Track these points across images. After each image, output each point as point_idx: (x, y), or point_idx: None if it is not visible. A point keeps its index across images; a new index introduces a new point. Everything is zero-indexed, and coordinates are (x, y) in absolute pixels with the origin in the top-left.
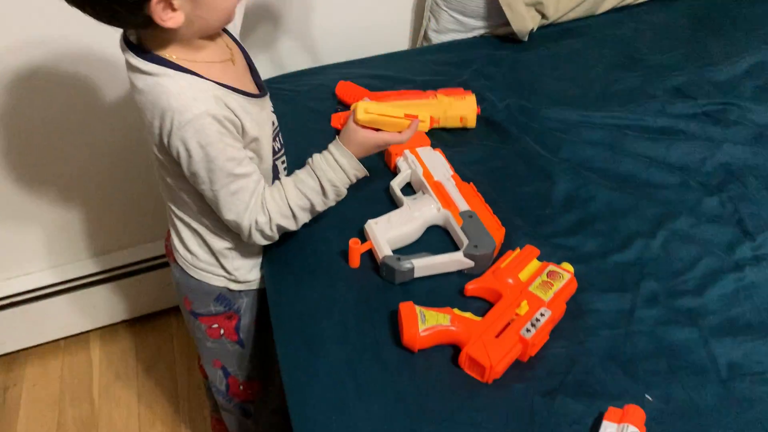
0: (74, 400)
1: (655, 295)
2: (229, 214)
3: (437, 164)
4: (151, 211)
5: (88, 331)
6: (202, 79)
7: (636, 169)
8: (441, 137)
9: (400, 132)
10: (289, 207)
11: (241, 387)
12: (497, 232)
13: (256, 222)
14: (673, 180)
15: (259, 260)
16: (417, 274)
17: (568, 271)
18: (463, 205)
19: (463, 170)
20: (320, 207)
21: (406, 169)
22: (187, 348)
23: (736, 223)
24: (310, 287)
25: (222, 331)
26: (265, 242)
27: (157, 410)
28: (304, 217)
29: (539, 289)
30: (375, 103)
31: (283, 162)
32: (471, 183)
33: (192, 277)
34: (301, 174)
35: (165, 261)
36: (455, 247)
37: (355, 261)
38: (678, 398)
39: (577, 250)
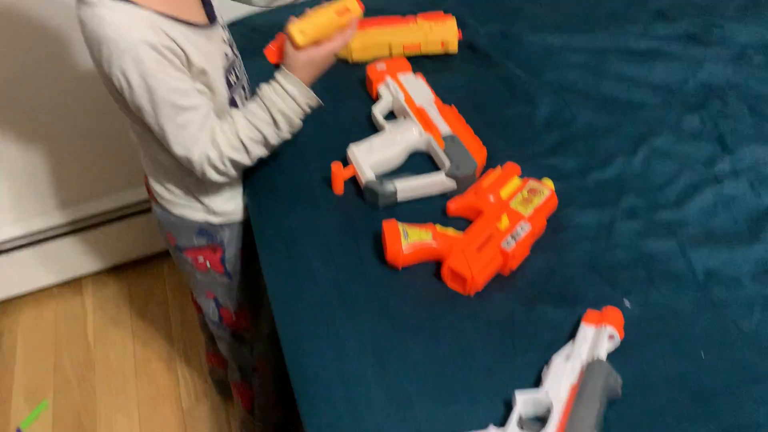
0: (70, 343)
1: (635, 209)
2: (178, 148)
3: (419, 90)
4: (135, 154)
5: (79, 277)
6: (140, 8)
7: (618, 91)
8: (423, 64)
9: (341, 32)
10: (240, 140)
11: (234, 317)
12: (479, 153)
13: (207, 157)
14: (655, 100)
15: (236, 191)
16: (400, 197)
17: (549, 187)
18: (445, 129)
19: (445, 96)
20: (274, 139)
21: (388, 96)
22: (179, 289)
23: (716, 139)
24: (294, 213)
25: (208, 264)
26: (220, 178)
27: (152, 349)
28: (258, 151)
29: (520, 204)
30: (305, 19)
31: (245, 96)
32: (452, 106)
33: (172, 213)
34: (251, 106)
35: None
36: (438, 171)
37: (338, 187)
38: (656, 303)
39: (559, 169)
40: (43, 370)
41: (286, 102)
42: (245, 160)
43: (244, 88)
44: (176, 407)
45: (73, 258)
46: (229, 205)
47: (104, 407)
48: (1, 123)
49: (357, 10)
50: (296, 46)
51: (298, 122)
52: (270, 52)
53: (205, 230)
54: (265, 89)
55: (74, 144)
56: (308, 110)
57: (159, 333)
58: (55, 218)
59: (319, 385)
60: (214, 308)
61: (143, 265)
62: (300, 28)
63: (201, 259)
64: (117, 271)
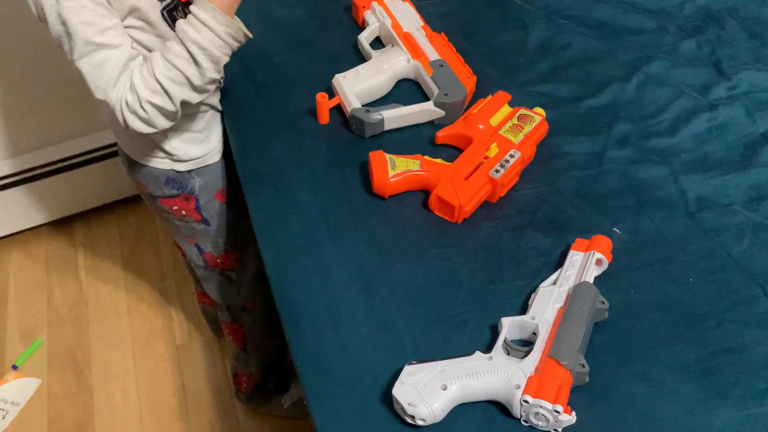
0: (62, 282)
1: (627, 137)
2: (97, 92)
3: (406, 15)
4: None
5: (69, 216)
6: None
7: (613, 16)
8: None
9: None
10: (157, 80)
11: (218, 260)
12: (468, 80)
13: (126, 102)
14: (651, 24)
15: (198, 135)
16: (387, 126)
17: (540, 115)
18: (433, 55)
19: (434, 22)
20: (197, 79)
21: (374, 22)
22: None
23: (713, 64)
24: (279, 145)
25: (184, 212)
26: (144, 127)
27: (144, 287)
28: (181, 93)
29: (509, 132)
30: None
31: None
32: (442, 33)
33: (137, 162)
34: (168, 43)
35: None
36: (426, 100)
37: (323, 116)
38: (646, 230)
39: (551, 96)
40: (36, 309)
41: (201, 32)
42: (168, 105)
43: None
44: (170, 343)
45: (62, 197)
46: (195, 150)
47: (98, 344)
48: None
49: None
50: None
51: (221, 57)
52: None
53: (173, 179)
54: (180, 22)
55: (64, 81)
56: (232, 42)
57: (150, 271)
58: (43, 155)
59: (305, 314)
60: (197, 253)
61: (132, 203)
62: None
63: (176, 207)
64: (106, 210)
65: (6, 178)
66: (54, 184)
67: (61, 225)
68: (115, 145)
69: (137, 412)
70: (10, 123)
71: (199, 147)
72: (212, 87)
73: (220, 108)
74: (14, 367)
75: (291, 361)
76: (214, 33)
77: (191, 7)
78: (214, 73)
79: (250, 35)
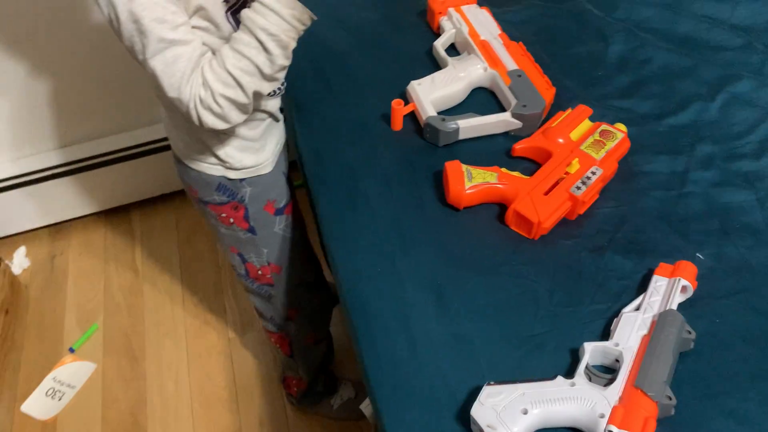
0: (118, 269)
1: (711, 158)
2: (170, 90)
3: (484, 23)
4: None
5: (128, 205)
6: None
7: (696, 31)
8: None
9: None
10: (228, 72)
11: (260, 271)
12: (547, 92)
13: (200, 99)
14: (737, 42)
15: (253, 144)
16: (462, 136)
17: (621, 131)
18: (511, 65)
19: (511, 30)
20: (267, 67)
21: (450, 28)
22: None
23: None
24: (352, 150)
25: (232, 220)
26: (219, 123)
27: (199, 278)
28: (253, 83)
29: (591, 148)
30: None
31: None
32: (520, 42)
33: (189, 167)
34: (236, 34)
35: None
36: (501, 110)
37: (397, 123)
38: (730, 257)
39: (631, 112)
40: (94, 294)
41: (268, 18)
42: (241, 97)
43: None
44: (222, 335)
45: (121, 186)
46: (248, 159)
47: (152, 332)
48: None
49: None
50: None
51: (289, 42)
52: None
53: (225, 186)
54: (245, 11)
55: (131, 70)
56: (298, 25)
57: (206, 263)
58: (105, 144)
59: (378, 323)
60: (240, 262)
61: None
62: None
63: (224, 215)
64: (164, 200)
65: (69, 164)
66: (114, 173)
67: (120, 213)
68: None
69: (188, 402)
70: (76, 113)
71: (254, 156)
72: (282, 75)
73: (279, 117)
74: (71, 350)
75: (339, 362)
76: (280, 17)
77: None
78: (283, 59)
79: (315, 17)
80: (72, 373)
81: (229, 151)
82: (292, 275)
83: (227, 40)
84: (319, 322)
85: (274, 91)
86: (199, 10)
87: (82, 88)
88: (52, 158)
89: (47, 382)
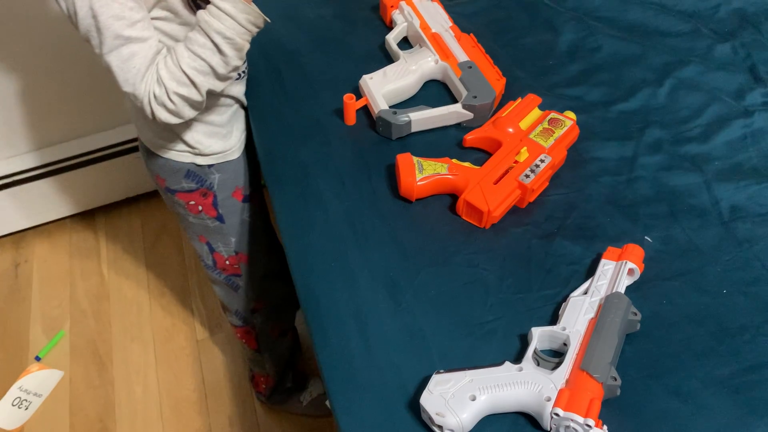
0: (84, 274)
1: (659, 143)
2: (126, 85)
3: (435, 15)
4: None
5: (92, 210)
6: None
7: (645, 18)
8: None
9: None
10: (183, 71)
11: (227, 261)
12: (497, 82)
13: (154, 95)
14: (684, 27)
15: (220, 130)
16: (414, 128)
17: (570, 119)
18: (462, 56)
19: (462, 22)
20: (221, 68)
21: (402, 22)
22: None
23: (748, 69)
24: (305, 146)
25: (200, 208)
26: (172, 119)
27: (165, 282)
28: (207, 83)
29: (540, 136)
30: None
31: None
32: (471, 34)
33: (158, 155)
34: (191, 34)
35: None
36: (453, 102)
37: (350, 118)
38: (678, 239)
39: (581, 100)
40: (59, 301)
41: (223, 22)
42: (194, 95)
43: None
44: (190, 338)
45: (86, 190)
46: (217, 145)
47: (120, 337)
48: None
49: None
50: None
51: (243, 44)
52: None
53: (194, 173)
54: (201, 13)
55: (91, 75)
56: (253, 29)
57: (172, 265)
58: (67, 149)
59: (331, 317)
60: (207, 252)
61: (155, 198)
62: None
63: (192, 202)
64: (129, 203)
65: (31, 170)
66: (78, 177)
67: (85, 217)
68: (134, 140)
69: (157, 407)
70: (35, 116)
71: (222, 142)
72: (235, 74)
73: (245, 102)
74: (37, 359)
75: (308, 358)
76: (236, 21)
77: None
78: (237, 60)
79: (268, 20)
80: (39, 382)
81: (197, 137)
82: (259, 265)
83: (188, 25)
84: (284, 313)
85: (239, 75)
86: (160, 2)
87: (39, 93)
88: (11, 165)
89: (13, 392)
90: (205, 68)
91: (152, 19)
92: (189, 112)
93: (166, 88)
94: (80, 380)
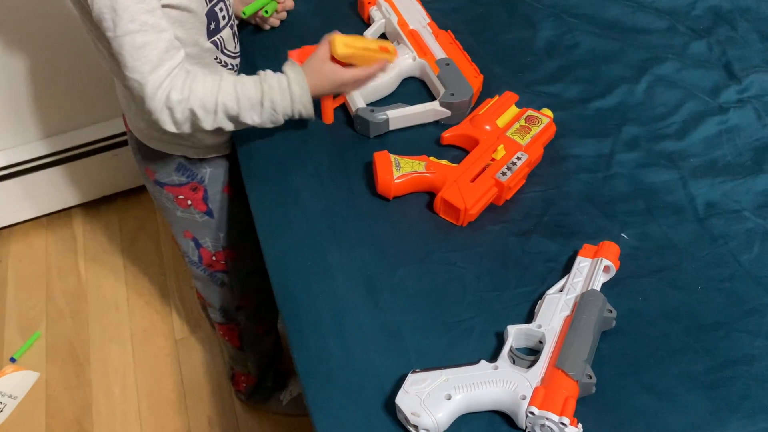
0: (61, 273)
1: (636, 139)
2: (134, 72)
3: (413, 12)
4: None
5: (69, 208)
6: None
7: (622, 15)
8: None
9: (370, 66)
10: (216, 102)
11: (214, 257)
12: (475, 80)
13: (169, 96)
14: (661, 25)
15: None
16: (392, 126)
17: (547, 116)
18: (439, 53)
19: (440, 19)
20: (245, 120)
21: (380, 18)
22: None
23: (723, 66)
24: (282, 144)
25: (190, 202)
26: (170, 125)
27: (143, 281)
28: (223, 122)
29: (517, 134)
30: (350, 37)
31: (221, 9)
32: (449, 31)
33: (149, 147)
34: (246, 79)
35: None
36: (432, 99)
37: (328, 116)
38: (654, 236)
39: (558, 97)
40: (36, 301)
41: (283, 97)
42: (205, 124)
43: (235, 35)
44: (169, 338)
45: (62, 188)
46: (209, 139)
47: (97, 337)
48: None
49: (393, 57)
50: (333, 54)
51: (279, 120)
52: (293, 54)
53: (184, 166)
54: (271, 75)
55: (62, 73)
56: (296, 116)
57: (151, 265)
58: (42, 148)
59: (308, 316)
60: (193, 248)
61: (133, 196)
62: (345, 42)
63: (182, 197)
64: (107, 201)
65: (4, 169)
66: (54, 176)
67: (61, 217)
68: (116, 136)
69: (136, 407)
70: (6, 116)
71: (214, 136)
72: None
73: None
74: (12, 360)
75: (288, 357)
76: (292, 103)
77: (289, 71)
78: (260, 125)
79: (313, 116)
80: (14, 384)
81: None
82: (246, 261)
83: (195, 32)
84: (269, 311)
85: (232, 67)
86: None
87: (11, 89)
88: None
89: None
90: (234, 112)
91: (163, 6)
92: (186, 129)
93: (189, 103)
94: (57, 381)
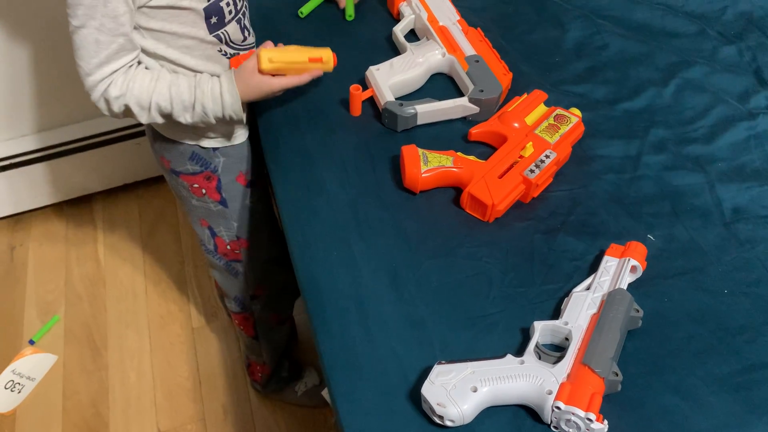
0: (80, 259)
1: (663, 142)
2: (80, 61)
3: (443, 8)
4: None
5: (90, 195)
6: None
7: (652, 18)
8: None
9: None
10: (149, 102)
11: (229, 246)
12: (504, 77)
13: (106, 91)
14: (691, 29)
15: None
16: (420, 121)
17: (576, 115)
18: (469, 50)
19: (470, 17)
20: (178, 118)
21: (410, 14)
22: None
23: (754, 72)
24: (310, 135)
25: (204, 191)
26: (107, 113)
27: (162, 269)
28: (158, 118)
29: (545, 132)
30: (279, 50)
31: (228, 4)
32: (478, 28)
33: (164, 136)
34: (181, 81)
35: None
36: (460, 95)
37: (356, 108)
38: (680, 238)
39: (586, 97)
40: (55, 285)
41: (215, 104)
42: (141, 118)
43: (245, 28)
44: (186, 326)
45: (84, 175)
46: (222, 128)
47: (114, 323)
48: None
49: (330, 65)
50: (260, 70)
51: (211, 121)
52: (234, 60)
53: (198, 155)
54: (205, 80)
55: None
56: (227, 120)
57: (169, 253)
58: (66, 134)
59: (333, 306)
60: (209, 236)
61: (154, 185)
62: (270, 57)
63: (196, 185)
64: (127, 189)
65: (28, 154)
66: (76, 162)
67: (82, 203)
68: (138, 125)
69: (151, 393)
70: (33, 100)
71: (227, 126)
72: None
73: None
74: (31, 342)
75: (303, 348)
76: (223, 109)
77: (222, 81)
78: (191, 123)
79: (243, 120)
80: (32, 366)
81: None
82: (261, 250)
83: (194, 14)
84: (283, 301)
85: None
86: None
87: (40, 75)
88: (10, 147)
89: (6, 375)
90: (167, 110)
91: (153, 7)
92: (121, 117)
93: (125, 99)
94: (74, 365)
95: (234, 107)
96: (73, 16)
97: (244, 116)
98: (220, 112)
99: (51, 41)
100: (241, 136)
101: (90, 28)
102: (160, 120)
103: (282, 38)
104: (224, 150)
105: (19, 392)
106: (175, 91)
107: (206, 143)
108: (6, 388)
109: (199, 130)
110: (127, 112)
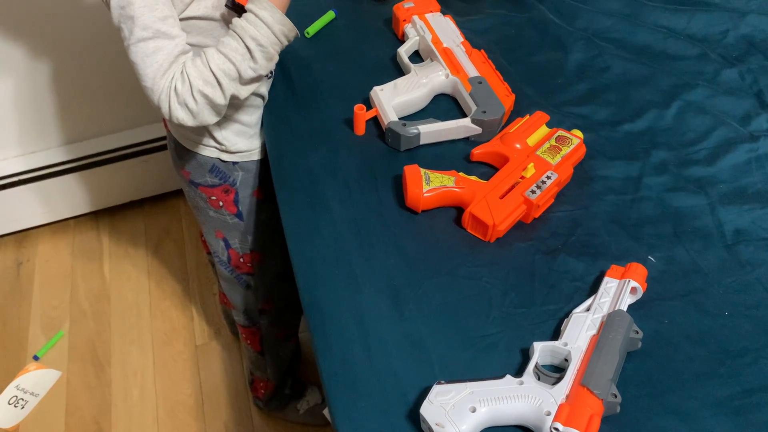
0: (85, 275)
1: (665, 164)
2: (145, 78)
3: (447, 30)
4: None
5: (96, 211)
6: None
7: (654, 40)
8: (451, 4)
9: None
10: (212, 71)
11: (242, 259)
12: (506, 98)
13: (176, 91)
14: (692, 51)
15: (248, 130)
16: (423, 141)
17: (578, 137)
18: (472, 71)
19: (473, 38)
20: (249, 73)
21: (414, 35)
22: (195, 228)
23: (755, 95)
24: (314, 153)
25: (221, 203)
26: (190, 119)
27: (166, 286)
28: (232, 87)
29: (547, 153)
30: None
31: None
32: (482, 50)
33: (185, 147)
34: (224, 38)
35: None
36: (463, 116)
37: (360, 128)
38: (681, 260)
39: (588, 119)
40: (60, 301)
41: (259, 29)
42: (218, 98)
43: None
44: (189, 343)
45: (90, 192)
46: (242, 143)
47: (118, 340)
48: (30, 57)
49: None
50: None
51: (274, 53)
52: None
53: (218, 168)
54: (237, 20)
55: (101, 77)
56: (284, 41)
57: (174, 271)
58: (72, 152)
59: (334, 324)
60: (223, 248)
61: (160, 202)
62: None
63: (214, 198)
64: (133, 206)
65: (36, 171)
66: (83, 179)
67: (88, 219)
68: (146, 143)
69: (153, 410)
70: (39, 118)
71: (248, 141)
72: (258, 83)
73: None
74: (35, 358)
75: (307, 366)
76: (271, 31)
77: (249, 5)
78: (265, 69)
79: (297, 31)
80: (36, 381)
81: (226, 134)
82: (271, 265)
83: (220, 22)
84: (291, 317)
85: (269, 75)
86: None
87: (47, 93)
88: (17, 164)
89: (10, 390)
90: (233, 72)
91: (187, 18)
92: (208, 116)
93: (191, 85)
94: (77, 381)
95: (277, 21)
96: (126, 35)
97: (293, 26)
98: (270, 33)
99: (64, 59)
100: (259, 152)
101: (145, 39)
102: (236, 88)
103: (288, 57)
104: (244, 164)
105: (23, 408)
106: (224, 48)
107: (227, 157)
108: (9, 404)
109: (220, 144)
110: (204, 99)
